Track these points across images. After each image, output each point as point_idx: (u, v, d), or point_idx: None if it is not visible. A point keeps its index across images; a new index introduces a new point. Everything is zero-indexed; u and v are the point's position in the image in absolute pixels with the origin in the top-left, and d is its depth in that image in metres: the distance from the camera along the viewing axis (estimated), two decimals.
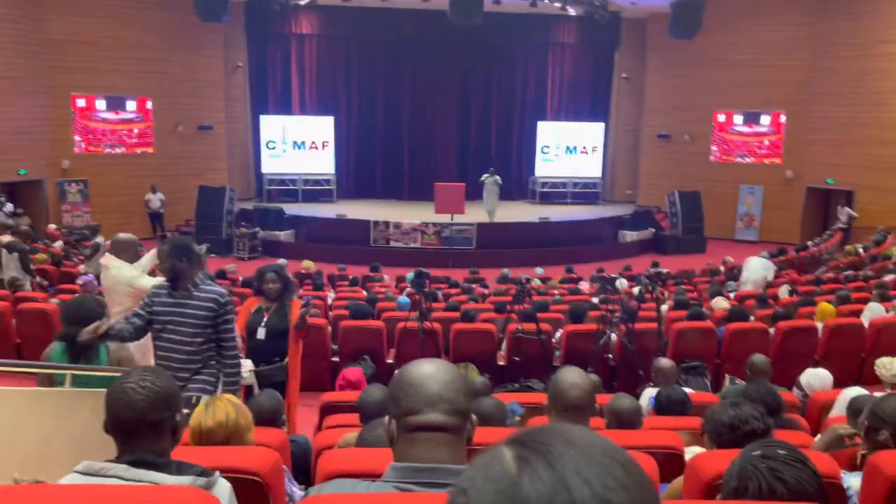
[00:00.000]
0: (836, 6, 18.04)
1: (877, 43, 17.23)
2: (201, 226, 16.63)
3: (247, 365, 4.53)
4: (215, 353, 4.02)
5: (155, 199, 17.70)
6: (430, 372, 1.41)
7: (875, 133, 17.40)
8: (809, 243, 15.87)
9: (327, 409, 4.29)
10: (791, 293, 9.63)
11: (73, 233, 14.82)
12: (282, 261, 12.88)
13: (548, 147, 21.10)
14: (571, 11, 18.65)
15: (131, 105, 17.78)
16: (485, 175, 17.46)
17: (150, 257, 5.55)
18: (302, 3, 17.59)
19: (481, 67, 21.17)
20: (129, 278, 5.15)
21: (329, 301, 9.64)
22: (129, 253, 5.32)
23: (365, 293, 10.35)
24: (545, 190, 21.04)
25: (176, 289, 4.02)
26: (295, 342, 4.88)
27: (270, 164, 19.88)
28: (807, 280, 11.26)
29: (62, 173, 17.09)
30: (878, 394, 3.28)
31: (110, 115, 17.55)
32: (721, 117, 20.08)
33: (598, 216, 18.94)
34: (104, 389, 1.90)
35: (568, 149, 21.13)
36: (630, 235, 18.54)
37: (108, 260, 5.31)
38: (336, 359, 7.08)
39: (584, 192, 21.29)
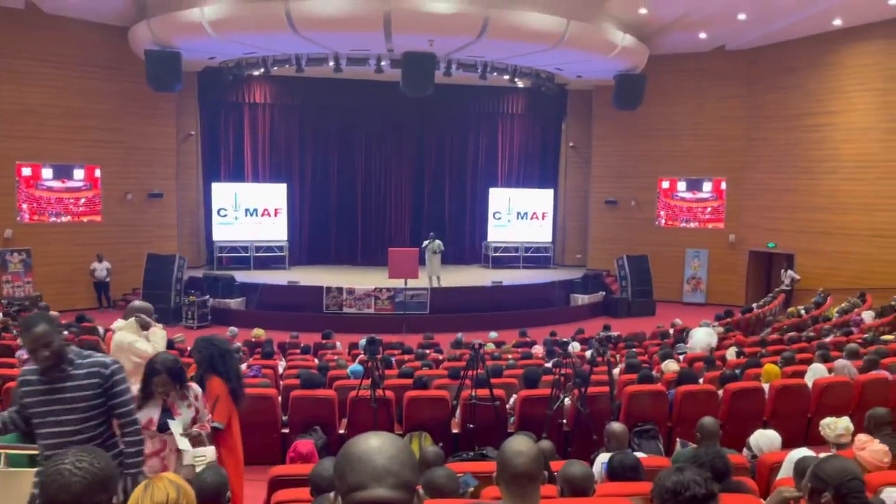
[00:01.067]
0: (768, 81, 18.91)
1: (803, 115, 18.04)
2: (149, 295, 16.18)
3: (208, 454, 4.14)
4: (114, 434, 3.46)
5: (101, 269, 17.32)
6: (375, 445, 1.38)
7: (805, 199, 18.07)
8: (754, 305, 16.20)
9: (276, 484, 4.15)
10: (738, 355, 9.72)
11: (13, 304, 14.33)
12: (232, 329, 12.68)
13: (499, 213, 21.40)
14: (520, 84, 19.20)
15: (79, 174, 17.52)
16: (426, 241, 17.64)
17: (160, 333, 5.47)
18: (255, 73, 17.72)
19: (434, 136, 21.54)
20: (129, 342, 5.16)
21: (280, 370, 9.46)
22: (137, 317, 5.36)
23: (317, 361, 10.18)
24: (498, 255, 21.25)
25: (45, 372, 3.35)
26: (224, 435, 4.51)
27: (221, 232, 19.69)
28: (753, 342, 11.40)
29: (4, 242, 16.63)
30: (822, 454, 3.32)
31: (56, 184, 17.23)
32: (665, 184, 20.65)
33: (550, 279, 19.18)
34: (35, 469, 1.81)
35: (519, 214, 21.47)
36: (581, 298, 18.76)
37: (117, 323, 5.37)
38: (286, 430, 6.90)
39: (535, 257, 21.55)
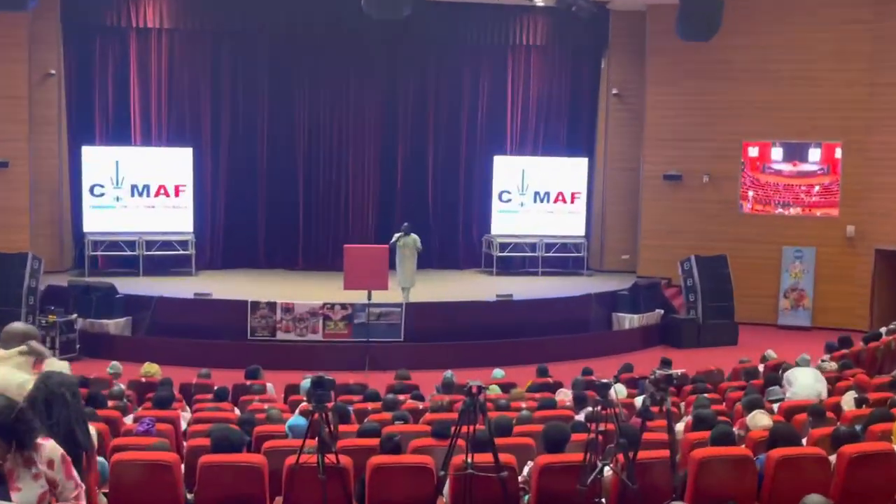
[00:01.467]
0: None
1: None
2: None
3: None
4: None
5: None
6: None
7: None
8: (883, 330, 16.10)
9: None
10: (859, 403, 9.68)
11: None
12: (114, 364, 12.57)
13: (508, 192, 21.34)
14: (539, 2, 19.12)
15: None
16: (397, 235, 17.57)
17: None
18: None
19: (412, 81, 21.49)
20: (18, 384, 5.22)
21: (182, 425, 9.41)
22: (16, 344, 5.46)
23: (237, 412, 10.13)
24: (505, 255, 21.15)
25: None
26: None
27: (96, 219, 19.64)
28: (880, 383, 11.37)
29: None
30: None
31: None
32: (753, 151, 20.67)
33: (583, 292, 19.05)
34: None
35: (538, 195, 21.41)
36: (629, 320, 18.69)
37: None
38: None
39: (561, 258, 21.45)
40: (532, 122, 22.27)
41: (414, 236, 17.58)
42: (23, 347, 5.49)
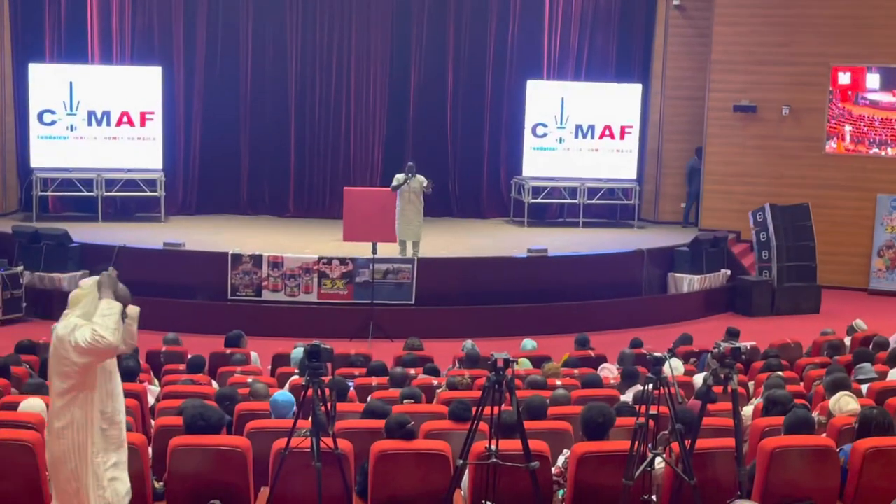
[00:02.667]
0: None
1: None
2: None
3: None
4: None
5: None
6: None
7: None
8: None
9: None
10: None
11: None
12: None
13: (544, 126, 21.24)
14: None
15: None
16: (400, 176, 17.23)
17: None
18: None
19: None
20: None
21: (150, 400, 9.48)
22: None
23: (216, 386, 10.20)
24: (539, 201, 21.15)
25: None
26: None
27: (46, 153, 19.69)
28: None
29: None
30: None
31: None
32: (844, 77, 20.46)
33: (633, 247, 18.95)
34: None
35: (580, 129, 21.30)
36: (689, 282, 18.61)
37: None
38: None
39: (607, 206, 21.48)
40: (574, 40, 22.01)
41: (420, 177, 17.33)
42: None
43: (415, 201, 17.28)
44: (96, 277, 6.20)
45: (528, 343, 13.68)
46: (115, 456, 5.89)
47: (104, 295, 5.94)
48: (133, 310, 6.26)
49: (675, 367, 9.76)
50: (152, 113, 20.01)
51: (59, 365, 5.78)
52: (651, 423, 6.92)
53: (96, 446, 5.76)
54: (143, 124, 19.98)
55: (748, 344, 11.81)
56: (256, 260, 16.58)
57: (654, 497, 6.95)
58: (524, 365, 11.71)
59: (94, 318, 5.77)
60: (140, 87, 20.00)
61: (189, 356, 11.87)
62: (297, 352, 10.85)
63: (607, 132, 21.48)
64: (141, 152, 20.01)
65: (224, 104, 21.20)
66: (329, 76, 21.42)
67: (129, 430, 6.85)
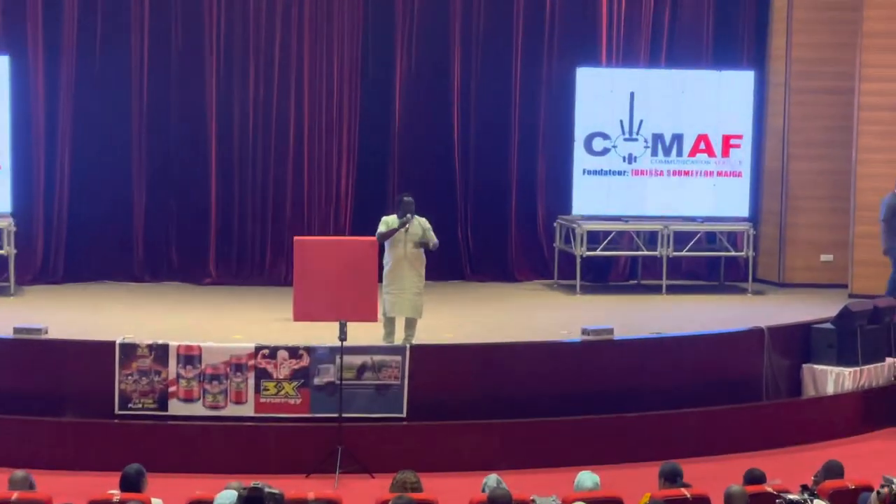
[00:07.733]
0: None
1: None
2: None
3: None
4: None
5: None
6: None
7: None
8: None
9: None
10: None
11: None
12: None
13: (605, 137, 18.12)
14: None
15: None
16: (390, 218, 14.43)
17: None
18: None
19: None
20: None
21: None
22: None
23: None
24: (598, 253, 18.07)
25: None
26: None
27: None
28: None
29: None
30: None
31: None
32: None
33: (746, 325, 16.18)
34: None
35: (659, 141, 18.31)
36: (835, 379, 16.00)
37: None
38: None
39: (704, 261, 18.91)
40: (648, 8, 19.01)
41: (422, 221, 14.46)
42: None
43: (412, 258, 14.50)
44: None
45: (586, 478, 10.89)
46: None
47: None
48: None
49: None
50: None
51: None
52: None
53: None
54: None
55: None
56: (159, 352, 13.80)
57: None
58: None
59: None
60: None
61: None
62: (227, 497, 9.10)
63: (702, 145, 18.19)
64: None
65: (108, 111, 18.01)
66: (270, 67, 18.33)
67: None
